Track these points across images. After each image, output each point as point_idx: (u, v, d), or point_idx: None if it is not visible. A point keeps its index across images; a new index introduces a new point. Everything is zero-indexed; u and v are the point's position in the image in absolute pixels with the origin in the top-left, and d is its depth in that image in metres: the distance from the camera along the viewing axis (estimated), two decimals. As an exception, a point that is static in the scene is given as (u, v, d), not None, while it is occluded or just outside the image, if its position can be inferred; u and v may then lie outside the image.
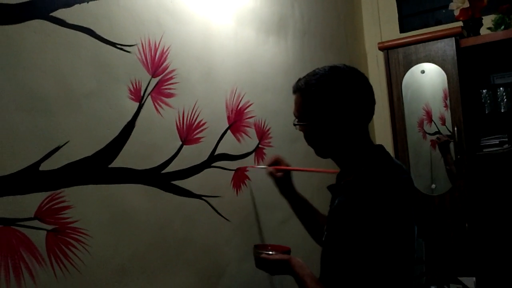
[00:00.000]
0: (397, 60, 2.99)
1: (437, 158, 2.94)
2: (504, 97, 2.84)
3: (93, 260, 1.18)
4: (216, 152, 1.69)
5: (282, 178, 1.56)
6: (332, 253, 1.10)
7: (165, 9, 1.50)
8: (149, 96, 1.40)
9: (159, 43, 1.45)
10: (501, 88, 2.86)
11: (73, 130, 1.16)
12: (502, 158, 2.82)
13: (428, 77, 2.94)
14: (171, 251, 1.45)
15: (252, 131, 1.92)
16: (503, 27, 2.76)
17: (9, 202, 1.00)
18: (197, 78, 1.62)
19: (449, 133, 2.87)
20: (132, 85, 1.34)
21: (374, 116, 1.19)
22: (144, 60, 1.39)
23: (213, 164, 1.67)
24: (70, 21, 1.17)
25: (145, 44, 1.40)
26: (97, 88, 1.23)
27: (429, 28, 3.27)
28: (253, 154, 1.92)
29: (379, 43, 3.08)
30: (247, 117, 1.89)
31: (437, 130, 2.94)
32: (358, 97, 1.11)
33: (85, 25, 1.21)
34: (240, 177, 1.82)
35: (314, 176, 2.37)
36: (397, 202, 1.04)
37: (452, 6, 2.89)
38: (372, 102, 1.15)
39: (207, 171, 1.63)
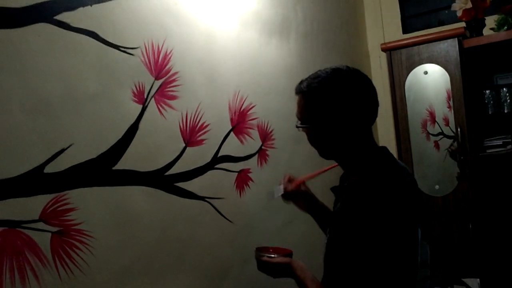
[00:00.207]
0: (400, 61, 2.99)
1: (441, 159, 2.94)
2: (507, 97, 2.83)
3: (97, 262, 1.18)
4: (219, 154, 1.70)
5: (306, 192, 1.46)
6: (335, 256, 1.10)
7: (168, 12, 1.50)
8: (153, 99, 1.41)
9: (162, 46, 1.46)
10: (504, 89, 2.85)
11: (77, 133, 1.17)
12: (505, 158, 2.81)
13: (431, 78, 2.93)
14: (175, 252, 1.45)
15: (255, 133, 1.93)
16: (506, 27, 2.76)
17: (14, 205, 1.00)
18: (200, 80, 1.63)
19: (452, 134, 2.87)
20: (136, 88, 1.35)
21: (377, 118, 1.18)
22: (148, 62, 1.40)
23: (216, 166, 1.67)
24: (74, 24, 1.18)
25: (148, 46, 1.40)
26: (101, 90, 1.24)
27: (432, 29, 3.26)
28: (256, 155, 1.92)
29: (381, 44, 3.08)
30: (250, 119, 1.90)
31: (440, 131, 2.94)
32: (360, 99, 1.10)
33: (89, 28, 1.22)
34: (243, 179, 1.82)
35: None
36: (400, 205, 1.03)
37: (455, 6, 2.89)
38: (375, 104, 1.14)
39: (210, 173, 1.63)
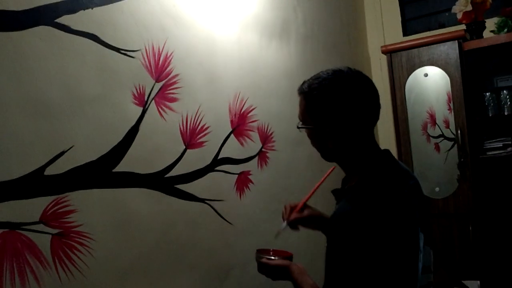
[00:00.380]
0: (400, 64, 2.99)
1: (441, 161, 2.94)
2: (508, 100, 2.83)
3: (97, 264, 1.19)
4: (220, 156, 1.70)
5: (311, 215, 1.39)
6: (333, 261, 1.09)
7: (169, 15, 1.51)
8: (153, 101, 1.41)
9: (163, 48, 1.47)
10: (504, 91, 2.85)
11: (78, 135, 1.17)
12: (505, 161, 2.81)
13: (431, 80, 2.93)
14: (174, 254, 1.46)
15: (255, 135, 1.93)
16: (506, 30, 2.76)
17: (15, 206, 1.01)
18: (200, 83, 1.63)
19: (452, 136, 2.87)
20: (136, 90, 1.36)
21: (378, 120, 1.17)
22: (148, 65, 1.40)
23: (217, 168, 1.68)
24: (74, 27, 1.19)
25: (149, 49, 1.41)
26: (101, 93, 1.25)
27: (432, 32, 3.26)
28: (256, 158, 1.92)
29: (382, 47, 3.08)
30: (250, 121, 1.90)
31: (441, 133, 2.94)
32: (360, 101, 1.08)
33: (89, 31, 1.23)
34: (243, 181, 1.83)
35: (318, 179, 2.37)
36: (399, 211, 1.01)
37: (455, 9, 2.89)
38: (376, 106, 1.12)
39: (210, 175, 1.64)
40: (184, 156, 1.52)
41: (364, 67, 3.38)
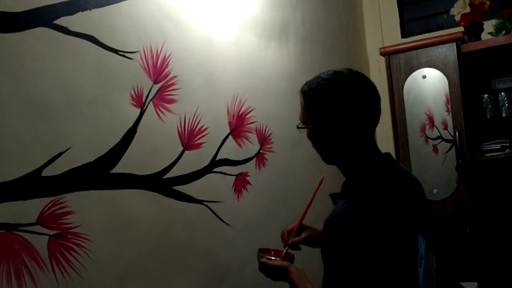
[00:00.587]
0: (399, 65, 3.00)
1: (439, 163, 2.94)
2: (506, 101, 2.84)
3: (95, 265, 1.18)
4: (218, 158, 1.70)
5: (309, 235, 1.38)
6: (330, 265, 1.08)
7: (167, 16, 1.51)
8: (151, 102, 1.41)
9: (161, 50, 1.47)
10: (502, 93, 2.85)
11: (76, 136, 1.17)
12: (503, 163, 2.81)
13: (429, 82, 2.94)
14: (172, 256, 1.46)
15: (253, 137, 1.93)
16: (504, 32, 2.76)
17: (12, 208, 1.01)
18: (198, 84, 1.63)
19: (451, 138, 2.87)
20: (134, 92, 1.36)
21: (376, 122, 1.16)
22: (146, 66, 1.40)
23: (214, 170, 1.68)
24: (73, 28, 1.19)
25: (147, 50, 1.41)
26: (99, 94, 1.25)
27: (430, 33, 3.27)
28: (255, 159, 1.93)
29: (380, 48, 3.09)
30: (248, 122, 1.90)
31: (439, 135, 2.94)
32: (359, 104, 1.07)
33: (87, 33, 1.23)
34: (241, 182, 1.83)
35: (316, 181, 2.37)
36: (396, 215, 1.00)
37: (453, 11, 2.90)
38: (375, 109, 1.11)
39: (208, 176, 1.64)
40: (182, 157, 1.52)
41: (362, 69, 3.38)
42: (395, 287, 0.98)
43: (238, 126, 1.83)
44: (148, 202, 1.37)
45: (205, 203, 1.61)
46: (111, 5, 1.30)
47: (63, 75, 1.15)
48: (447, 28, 3.27)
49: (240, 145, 1.84)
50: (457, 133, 2.82)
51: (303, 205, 1.36)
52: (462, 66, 2.83)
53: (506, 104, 2.83)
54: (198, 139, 1.61)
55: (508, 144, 2.83)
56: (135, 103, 1.36)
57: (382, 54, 3.06)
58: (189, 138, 1.57)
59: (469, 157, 2.82)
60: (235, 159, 1.80)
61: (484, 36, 2.87)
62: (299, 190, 2.23)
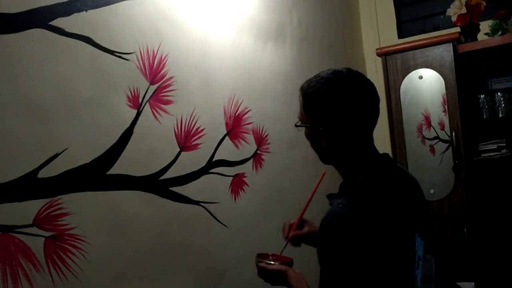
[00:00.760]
0: (395, 66, 3.00)
1: (436, 163, 2.95)
2: (502, 102, 2.84)
3: (91, 267, 1.18)
4: (214, 159, 1.70)
5: (310, 231, 1.38)
6: (326, 265, 1.07)
7: (163, 17, 1.51)
8: (147, 103, 1.41)
9: (157, 51, 1.47)
10: (498, 93, 2.86)
11: (72, 138, 1.17)
12: (500, 163, 2.82)
13: (426, 82, 2.95)
14: (169, 257, 1.45)
15: (250, 137, 1.93)
16: (500, 32, 2.77)
17: (8, 209, 1.01)
18: (195, 85, 1.63)
19: (447, 138, 2.88)
20: (130, 93, 1.36)
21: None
22: (142, 67, 1.40)
23: (211, 171, 1.68)
24: (69, 29, 1.19)
25: (143, 51, 1.41)
26: (95, 95, 1.25)
27: (427, 34, 3.28)
28: (251, 160, 1.93)
29: (377, 49, 3.09)
30: (245, 123, 1.90)
31: (436, 135, 2.95)
32: (356, 103, 1.06)
33: (83, 34, 1.23)
34: (238, 183, 1.83)
35: (313, 182, 2.37)
36: (392, 216, 0.99)
37: (450, 12, 2.90)
38: (373, 110, 1.10)
39: (205, 177, 1.64)
40: (179, 158, 1.52)
41: (359, 70, 3.37)
42: None
43: (234, 127, 1.83)
44: (144, 203, 1.37)
45: (202, 204, 1.61)
46: (107, 6, 1.30)
47: (59, 76, 1.15)
48: (443, 28, 3.28)
49: (237, 146, 1.84)
50: (453, 134, 2.83)
51: (301, 205, 1.36)
52: (458, 67, 2.84)
53: (503, 105, 2.84)
54: (195, 140, 1.61)
55: (504, 144, 2.84)
56: (131, 104, 1.36)
57: (378, 54, 3.07)
58: (186, 139, 1.57)
59: (466, 157, 2.83)
60: (232, 160, 1.80)
61: (480, 36, 2.88)
62: (296, 190, 2.23)
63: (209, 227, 1.64)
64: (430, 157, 2.98)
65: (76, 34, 1.21)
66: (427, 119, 2.98)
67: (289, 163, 2.22)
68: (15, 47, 1.06)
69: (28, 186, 1.05)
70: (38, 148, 1.08)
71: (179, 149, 1.53)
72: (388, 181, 1.07)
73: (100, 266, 1.21)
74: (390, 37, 3.44)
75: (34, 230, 1.06)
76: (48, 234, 1.09)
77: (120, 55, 1.33)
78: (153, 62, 1.45)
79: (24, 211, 1.04)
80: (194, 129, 1.61)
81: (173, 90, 1.52)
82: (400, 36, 3.46)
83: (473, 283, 2.60)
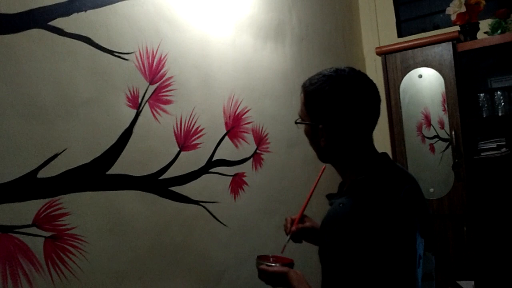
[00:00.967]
0: (395, 65, 3.00)
1: (436, 162, 2.95)
2: (502, 100, 2.84)
3: (91, 267, 1.18)
4: (214, 158, 1.70)
5: (312, 227, 1.37)
6: (328, 266, 1.07)
7: (163, 17, 1.51)
8: (147, 103, 1.41)
9: (157, 51, 1.47)
10: (498, 92, 2.86)
11: (71, 138, 1.17)
12: (499, 161, 2.82)
13: (426, 81, 2.94)
14: (169, 257, 1.46)
15: (249, 137, 1.93)
16: (499, 31, 2.77)
17: (7, 210, 1.01)
18: (194, 85, 1.63)
19: (447, 137, 2.88)
20: (130, 92, 1.36)
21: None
22: (142, 67, 1.40)
23: (211, 170, 1.68)
24: (68, 30, 1.19)
25: (142, 51, 1.41)
26: (95, 95, 1.25)
27: (426, 33, 3.27)
28: (251, 159, 1.93)
29: (376, 48, 3.09)
30: (244, 123, 1.90)
31: (435, 134, 2.95)
32: (356, 103, 1.07)
33: (83, 34, 1.23)
34: (238, 182, 1.83)
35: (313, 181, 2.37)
36: (392, 215, 0.99)
37: (449, 10, 2.90)
38: (374, 109, 1.10)
39: (204, 177, 1.64)
40: (178, 158, 1.52)
41: (358, 69, 3.38)
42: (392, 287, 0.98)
43: (234, 126, 1.83)
44: (144, 203, 1.37)
45: (201, 203, 1.61)
46: (107, 6, 1.30)
47: (58, 76, 1.15)
48: (443, 27, 3.27)
49: (236, 146, 1.84)
50: (453, 132, 2.83)
51: (300, 204, 1.36)
52: (458, 66, 2.84)
53: (502, 103, 2.84)
54: (195, 139, 1.61)
55: (504, 143, 2.84)
56: (131, 104, 1.36)
57: (378, 53, 3.07)
58: (186, 139, 1.57)
59: (466, 156, 2.83)
60: (231, 160, 1.80)
61: (480, 35, 2.88)
62: (296, 190, 2.23)
63: (208, 227, 1.64)
64: (430, 156, 2.98)
65: (76, 34, 1.21)
66: (427, 118, 2.98)
67: (289, 163, 2.22)
68: (14, 48, 1.06)
69: (27, 186, 1.05)
70: (37, 148, 1.09)
71: (178, 149, 1.53)
72: (388, 180, 1.08)
73: (100, 266, 1.21)
74: (389, 36, 3.44)
75: (34, 230, 1.06)
76: (48, 234, 1.09)
77: (120, 55, 1.33)
78: (153, 62, 1.45)
79: (24, 211, 1.04)
80: (194, 128, 1.61)
81: (173, 89, 1.52)
82: (400, 35, 3.46)
83: (473, 282, 2.61)
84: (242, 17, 1.96)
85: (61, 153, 1.14)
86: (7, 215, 1.01)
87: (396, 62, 3.00)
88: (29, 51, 1.09)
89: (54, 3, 1.15)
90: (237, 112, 1.86)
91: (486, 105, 2.90)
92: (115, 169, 1.28)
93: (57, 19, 1.16)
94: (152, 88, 1.44)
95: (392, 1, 3.46)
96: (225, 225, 1.72)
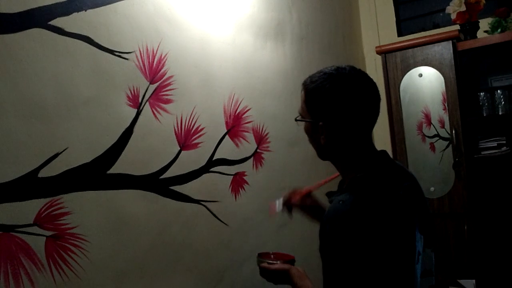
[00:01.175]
0: (395, 64, 3.00)
1: (436, 161, 2.95)
2: (502, 99, 2.84)
3: (92, 266, 1.19)
4: (215, 157, 1.70)
5: (313, 205, 1.40)
6: (328, 263, 1.08)
7: (163, 16, 1.51)
8: (147, 103, 1.41)
9: (157, 50, 1.47)
10: (498, 91, 2.86)
11: (72, 137, 1.17)
12: (500, 160, 2.82)
13: (426, 80, 2.95)
14: (170, 256, 1.46)
15: (250, 136, 1.93)
16: (499, 30, 2.77)
17: (9, 209, 1.01)
18: (195, 84, 1.63)
19: (447, 136, 2.88)
20: (130, 92, 1.36)
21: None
22: (142, 66, 1.40)
23: (212, 169, 1.68)
24: (68, 29, 1.19)
25: (143, 51, 1.41)
26: (95, 95, 1.25)
27: (426, 32, 3.27)
28: (252, 158, 1.93)
29: (377, 47, 3.09)
30: (245, 122, 1.91)
31: (436, 133, 2.95)
32: (356, 101, 1.07)
33: (83, 33, 1.23)
34: (238, 182, 1.83)
35: (313, 180, 2.37)
36: (392, 212, 1.00)
37: (449, 9, 2.90)
38: (374, 108, 1.10)
39: (205, 176, 1.64)
40: (179, 157, 1.52)
41: (359, 68, 3.38)
42: (392, 284, 0.99)
43: (235, 125, 1.83)
44: (145, 202, 1.37)
45: (202, 202, 1.61)
46: (107, 6, 1.30)
47: (59, 76, 1.15)
48: (443, 26, 3.28)
49: (237, 145, 1.84)
50: (454, 131, 2.83)
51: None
52: (458, 64, 2.84)
53: (503, 102, 2.84)
54: (195, 139, 1.61)
55: (504, 142, 2.84)
56: (131, 103, 1.36)
57: (378, 52, 3.07)
58: (186, 138, 1.57)
59: (466, 155, 2.83)
60: (232, 159, 1.80)
61: (480, 34, 2.88)
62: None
63: (209, 226, 1.64)
64: (430, 155, 2.98)
65: (76, 33, 1.21)
66: (427, 117, 2.98)
67: (290, 162, 2.22)
68: (15, 47, 1.06)
69: (28, 186, 1.05)
70: (38, 147, 1.09)
71: (179, 148, 1.53)
72: (387, 178, 1.08)
73: (101, 265, 1.21)
74: (389, 35, 3.44)
75: (35, 229, 1.06)
76: (49, 233, 1.09)
77: (120, 54, 1.33)
78: (153, 61, 1.45)
79: (25, 210, 1.04)
80: (194, 128, 1.61)
81: (173, 89, 1.52)
82: (400, 34, 3.46)
83: (474, 281, 2.61)
84: (242, 17, 1.97)
85: (62, 152, 1.14)
86: (8, 214, 1.01)
87: (396, 61, 3.00)
88: (30, 51, 1.09)
89: (54, 2, 1.15)
90: (237, 111, 1.86)
91: (486, 104, 2.90)
92: (116, 169, 1.29)
93: (57, 19, 1.16)
94: (152, 87, 1.44)
95: (392, 0, 3.47)
96: (226, 224, 1.72)
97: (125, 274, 1.28)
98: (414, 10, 3.52)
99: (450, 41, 2.82)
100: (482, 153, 2.88)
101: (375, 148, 1.15)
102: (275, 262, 1.27)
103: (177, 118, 1.53)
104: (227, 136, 1.78)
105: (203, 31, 1.71)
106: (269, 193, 2.03)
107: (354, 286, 0.98)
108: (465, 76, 2.95)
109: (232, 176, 1.79)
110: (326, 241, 1.05)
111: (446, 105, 2.88)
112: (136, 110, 1.37)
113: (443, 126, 2.93)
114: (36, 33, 1.11)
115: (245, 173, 1.88)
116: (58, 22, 1.16)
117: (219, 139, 1.74)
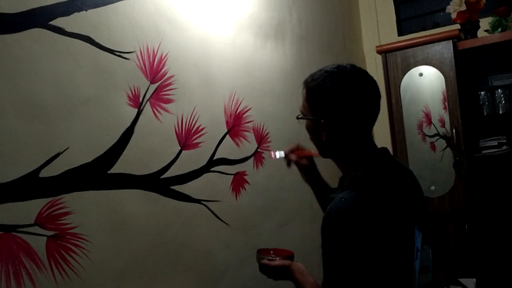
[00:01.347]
0: (395, 63, 3.00)
1: (437, 160, 2.95)
2: (502, 98, 2.84)
3: (93, 265, 1.19)
4: (215, 157, 1.70)
5: (307, 166, 1.45)
6: (329, 260, 1.09)
7: (164, 16, 1.51)
8: (148, 102, 1.42)
9: (158, 50, 1.47)
10: (499, 90, 2.86)
11: (73, 137, 1.17)
12: (500, 159, 2.82)
13: (426, 79, 2.94)
14: (170, 255, 1.46)
15: (250, 136, 1.93)
16: (500, 29, 2.77)
17: (10, 209, 1.01)
18: (195, 84, 1.64)
19: (448, 135, 2.88)
20: (131, 92, 1.36)
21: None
22: (143, 66, 1.40)
23: (212, 169, 1.68)
24: (69, 29, 1.19)
25: (143, 50, 1.41)
26: (96, 95, 1.25)
27: (426, 31, 3.27)
28: (252, 158, 1.93)
29: (377, 47, 3.09)
30: (245, 121, 1.91)
31: (436, 132, 2.95)
32: (357, 99, 1.08)
33: (83, 33, 1.23)
34: (239, 181, 1.83)
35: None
36: (392, 209, 1.01)
37: (449, 9, 2.90)
38: (374, 106, 1.11)
39: (206, 175, 1.64)
40: (180, 157, 1.52)
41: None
42: (392, 280, 1.00)
43: (235, 125, 1.83)
44: (146, 202, 1.38)
45: (203, 202, 1.62)
46: (107, 5, 1.30)
47: (59, 76, 1.16)
48: (443, 25, 3.27)
49: (237, 144, 1.84)
50: (454, 130, 2.83)
51: (301, 204, 1.36)
52: (458, 64, 2.84)
53: (503, 101, 2.84)
54: (196, 138, 1.61)
55: (505, 141, 2.84)
56: (132, 103, 1.36)
57: (378, 52, 3.07)
58: (187, 138, 1.57)
59: (466, 154, 2.83)
60: (232, 158, 1.80)
61: (480, 33, 2.88)
62: (297, 188, 2.23)
63: (210, 226, 1.65)
64: (430, 154, 2.98)
65: (76, 33, 1.21)
66: (428, 116, 2.98)
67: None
68: (15, 47, 1.06)
69: (29, 186, 1.05)
70: (39, 147, 1.09)
71: (180, 148, 1.53)
72: (388, 175, 1.09)
73: (101, 265, 1.21)
74: (390, 35, 3.44)
75: (36, 229, 1.06)
76: (50, 233, 1.09)
77: (121, 54, 1.33)
78: (154, 61, 1.45)
79: (26, 210, 1.04)
80: (195, 127, 1.61)
81: (174, 89, 1.52)
82: (400, 33, 3.46)
83: (474, 279, 2.61)
84: (242, 16, 1.97)
85: (63, 152, 1.14)
86: (9, 214, 1.01)
87: (397, 61, 3.00)
88: (30, 51, 1.09)
89: (55, 2, 1.16)
90: (238, 111, 1.86)
91: (486, 103, 2.90)
92: (116, 168, 1.29)
93: (58, 19, 1.16)
94: (153, 87, 1.44)
95: (392, 0, 3.46)
96: (226, 223, 1.72)
97: (125, 274, 1.29)
98: (414, 9, 3.52)
99: (451, 41, 2.82)
100: (483, 152, 2.88)
101: (375, 145, 1.16)
102: (275, 258, 1.27)
103: (177, 117, 1.53)
104: (227, 136, 1.78)
105: (204, 31, 1.71)
106: (269, 192, 2.03)
107: (355, 282, 0.99)
108: (466, 75, 2.95)
109: (232, 176, 1.79)
110: (328, 237, 1.06)
111: (446, 104, 2.87)
112: (136, 110, 1.37)
113: (443, 125, 2.93)
114: (36, 33, 1.11)
115: (246, 173, 1.88)
116: (58, 22, 1.16)
117: (219, 138, 1.74)
